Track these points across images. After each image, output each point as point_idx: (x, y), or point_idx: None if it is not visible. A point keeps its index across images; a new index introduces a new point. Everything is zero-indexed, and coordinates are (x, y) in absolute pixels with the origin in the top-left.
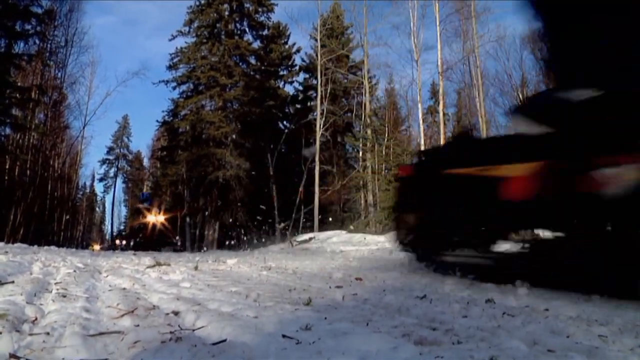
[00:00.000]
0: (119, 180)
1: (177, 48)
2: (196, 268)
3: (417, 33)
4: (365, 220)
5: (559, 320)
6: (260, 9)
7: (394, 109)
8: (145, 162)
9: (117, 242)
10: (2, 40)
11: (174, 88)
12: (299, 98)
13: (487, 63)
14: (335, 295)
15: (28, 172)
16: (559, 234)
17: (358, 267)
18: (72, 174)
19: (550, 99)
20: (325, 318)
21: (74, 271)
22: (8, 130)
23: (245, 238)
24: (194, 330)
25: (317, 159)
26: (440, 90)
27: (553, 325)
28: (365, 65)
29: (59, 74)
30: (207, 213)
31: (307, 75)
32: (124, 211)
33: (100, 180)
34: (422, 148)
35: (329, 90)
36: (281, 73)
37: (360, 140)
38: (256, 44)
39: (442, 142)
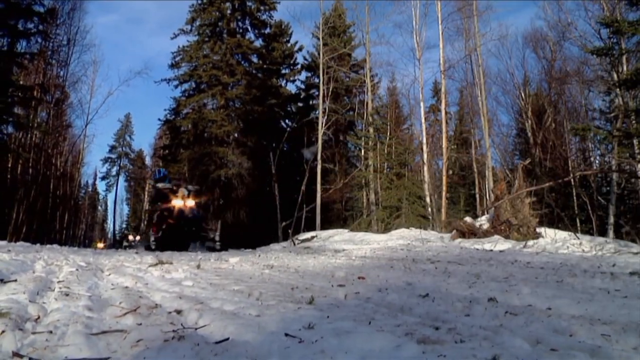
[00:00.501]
0: (121, 179)
1: (179, 47)
2: (198, 267)
3: (419, 31)
4: (368, 218)
5: (562, 319)
6: (262, 8)
7: (396, 107)
8: (148, 160)
9: (130, 237)
10: (4, 39)
11: (176, 86)
12: (301, 96)
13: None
14: (337, 294)
15: (30, 170)
16: None
17: (360, 265)
18: (74, 172)
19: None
20: (328, 317)
21: (77, 270)
22: (10, 129)
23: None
24: (196, 329)
25: (319, 157)
26: (443, 89)
27: (556, 324)
28: (368, 64)
29: (62, 73)
30: (209, 211)
31: (309, 74)
32: (126, 209)
33: (103, 178)
34: (424, 147)
35: (331, 89)
36: (283, 71)
37: (362, 138)
38: (258, 43)
39: (444, 140)
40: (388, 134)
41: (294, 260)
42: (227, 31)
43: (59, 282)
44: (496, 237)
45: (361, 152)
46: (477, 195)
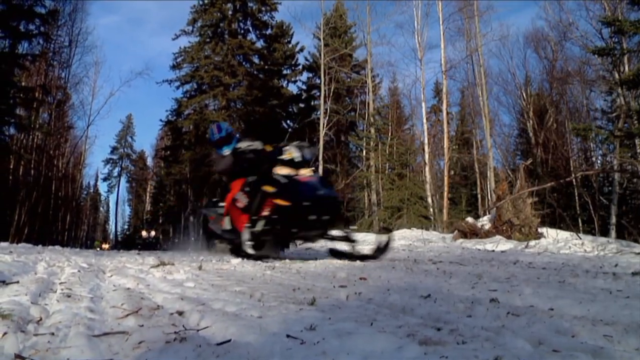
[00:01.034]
0: (123, 180)
1: (180, 47)
2: (200, 267)
3: (420, 32)
4: (369, 219)
5: (564, 319)
6: (263, 8)
7: (397, 107)
8: (149, 161)
9: (144, 233)
10: (6, 40)
11: (178, 87)
12: (303, 97)
13: (490, 62)
14: (339, 295)
15: (32, 172)
16: None
17: (362, 266)
18: (76, 173)
19: None
20: (330, 318)
21: (79, 271)
22: (12, 130)
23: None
24: (198, 330)
25: (320, 158)
26: (444, 89)
27: (558, 324)
28: (369, 64)
29: (63, 74)
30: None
31: (311, 75)
32: (127, 210)
33: (104, 179)
34: (426, 147)
35: (332, 90)
36: (284, 72)
37: (364, 139)
38: (259, 44)
39: (445, 140)
40: (389, 134)
41: (295, 261)
42: (228, 32)
43: (60, 283)
44: (498, 237)
45: (363, 152)
46: (479, 196)
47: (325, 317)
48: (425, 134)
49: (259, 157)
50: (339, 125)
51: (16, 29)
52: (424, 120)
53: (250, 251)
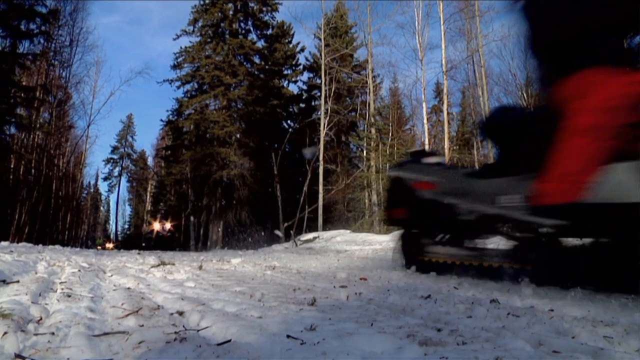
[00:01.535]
0: (124, 180)
1: (181, 47)
2: (200, 267)
3: (421, 32)
4: (370, 219)
5: (564, 321)
6: (264, 9)
7: (398, 108)
8: (150, 161)
9: (156, 226)
10: (7, 39)
11: (179, 87)
12: (303, 97)
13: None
14: (339, 295)
15: (33, 171)
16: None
17: (362, 266)
18: (76, 173)
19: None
20: (330, 318)
21: (79, 270)
22: (13, 130)
23: (249, 237)
24: (198, 330)
25: (321, 158)
26: (445, 90)
27: (558, 326)
28: (370, 65)
29: (64, 74)
30: (211, 212)
31: (311, 75)
32: (128, 210)
33: (105, 179)
34: (427, 147)
35: (333, 90)
36: (285, 72)
37: (365, 139)
38: (260, 44)
39: (446, 141)
40: (390, 134)
41: (295, 261)
42: (229, 32)
43: (61, 283)
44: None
45: (363, 152)
46: None
47: (325, 318)
48: (426, 134)
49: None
50: (340, 125)
51: (17, 28)
52: (425, 121)
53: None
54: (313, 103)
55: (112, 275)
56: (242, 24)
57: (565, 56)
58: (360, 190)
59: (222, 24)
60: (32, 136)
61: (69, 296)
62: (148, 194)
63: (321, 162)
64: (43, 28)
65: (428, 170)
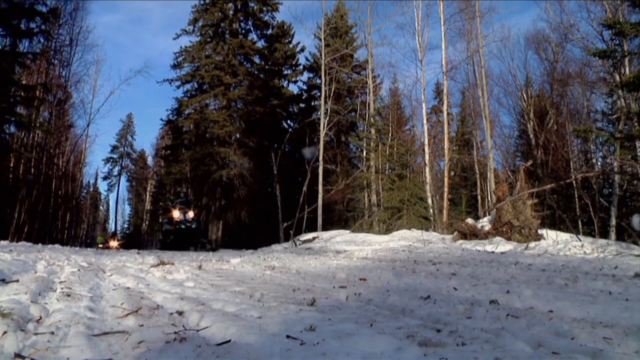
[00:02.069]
0: (123, 179)
1: (181, 47)
2: (200, 267)
3: (421, 33)
4: (369, 219)
5: (564, 322)
6: (264, 8)
7: (397, 108)
8: (150, 160)
9: (177, 214)
10: (7, 38)
11: (178, 87)
12: (303, 97)
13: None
14: (339, 296)
15: (32, 170)
16: None
17: (362, 267)
18: (76, 172)
19: None
20: (329, 319)
21: (78, 270)
22: (13, 129)
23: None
24: (198, 330)
25: (321, 158)
26: (445, 90)
27: (558, 327)
28: (370, 65)
29: (64, 73)
30: (211, 212)
31: (311, 75)
32: (127, 209)
33: (104, 178)
34: (426, 148)
35: (333, 90)
36: (285, 72)
37: (364, 139)
38: (260, 43)
39: (445, 142)
40: (390, 135)
41: (295, 261)
42: (229, 32)
43: (60, 282)
44: (498, 238)
45: (363, 153)
46: (479, 197)
47: (325, 318)
48: (426, 134)
49: None
50: (340, 125)
51: (17, 27)
52: (425, 121)
53: None
54: (313, 103)
55: (111, 275)
56: (242, 24)
57: None
58: (360, 190)
59: (222, 24)
60: (31, 135)
61: (69, 295)
62: (148, 193)
63: (321, 162)
64: (43, 27)
65: None
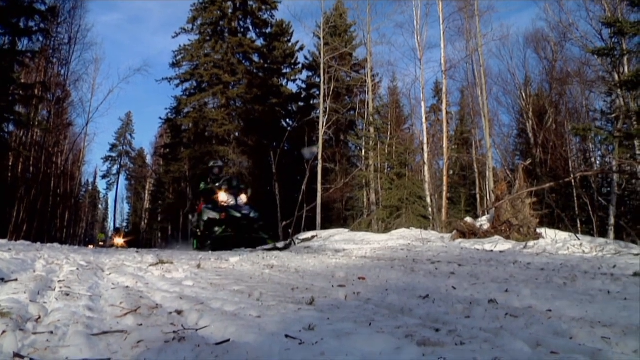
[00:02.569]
0: (122, 178)
1: (180, 45)
2: (199, 266)
3: (420, 31)
4: (368, 218)
5: (562, 321)
6: (263, 7)
7: (397, 107)
8: (148, 159)
9: (223, 195)
10: (6, 37)
11: (177, 85)
12: (302, 96)
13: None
14: (338, 295)
15: (31, 169)
16: None
17: (361, 266)
18: (75, 171)
19: None
20: (328, 318)
21: (77, 269)
22: (11, 127)
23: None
24: (197, 329)
25: (320, 157)
26: (444, 89)
27: (556, 326)
28: (369, 64)
29: (63, 71)
30: None
31: (310, 73)
32: (126, 208)
33: (103, 177)
34: (425, 147)
35: (332, 89)
36: (284, 71)
37: (363, 138)
38: (259, 42)
39: (445, 140)
40: (389, 133)
41: (294, 260)
42: (228, 30)
43: (59, 281)
44: (496, 237)
45: (362, 151)
46: (478, 196)
47: (324, 317)
48: (425, 133)
49: None
50: (339, 124)
51: (16, 26)
52: (424, 120)
53: None
54: (312, 102)
55: (110, 274)
56: (241, 23)
57: None
58: (359, 189)
59: (221, 22)
60: (30, 134)
61: (68, 295)
62: (146, 192)
63: (320, 161)
64: (42, 25)
65: None
